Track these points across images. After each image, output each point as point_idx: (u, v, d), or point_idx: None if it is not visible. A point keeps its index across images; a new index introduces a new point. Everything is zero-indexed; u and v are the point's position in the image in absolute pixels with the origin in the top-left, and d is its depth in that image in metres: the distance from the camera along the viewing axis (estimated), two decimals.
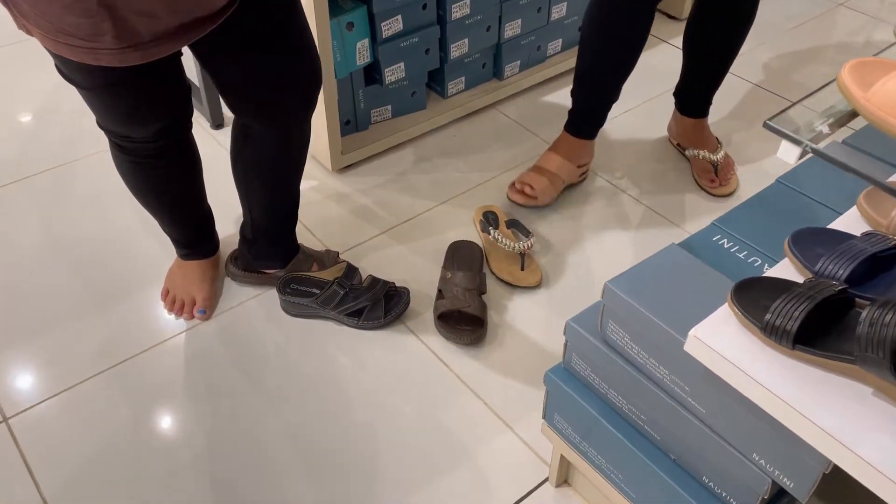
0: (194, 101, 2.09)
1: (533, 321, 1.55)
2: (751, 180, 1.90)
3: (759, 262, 1.12)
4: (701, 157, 1.89)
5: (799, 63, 2.35)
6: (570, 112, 1.82)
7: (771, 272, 0.91)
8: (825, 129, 0.68)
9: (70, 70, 1.12)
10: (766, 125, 0.68)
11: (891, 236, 0.88)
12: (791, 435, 0.80)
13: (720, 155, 1.88)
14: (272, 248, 1.55)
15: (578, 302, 1.59)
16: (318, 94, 1.32)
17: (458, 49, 1.99)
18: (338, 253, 1.64)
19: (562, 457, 1.22)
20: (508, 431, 1.35)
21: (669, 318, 0.91)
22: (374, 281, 1.51)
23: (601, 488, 1.14)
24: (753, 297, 0.84)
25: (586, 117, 1.80)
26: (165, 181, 1.40)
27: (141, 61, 1.02)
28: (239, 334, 1.52)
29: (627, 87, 1.77)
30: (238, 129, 1.37)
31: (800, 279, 0.89)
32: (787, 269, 0.91)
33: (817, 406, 0.77)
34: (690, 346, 0.84)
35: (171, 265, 1.60)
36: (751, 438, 0.88)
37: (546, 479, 1.28)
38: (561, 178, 1.82)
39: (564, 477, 1.28)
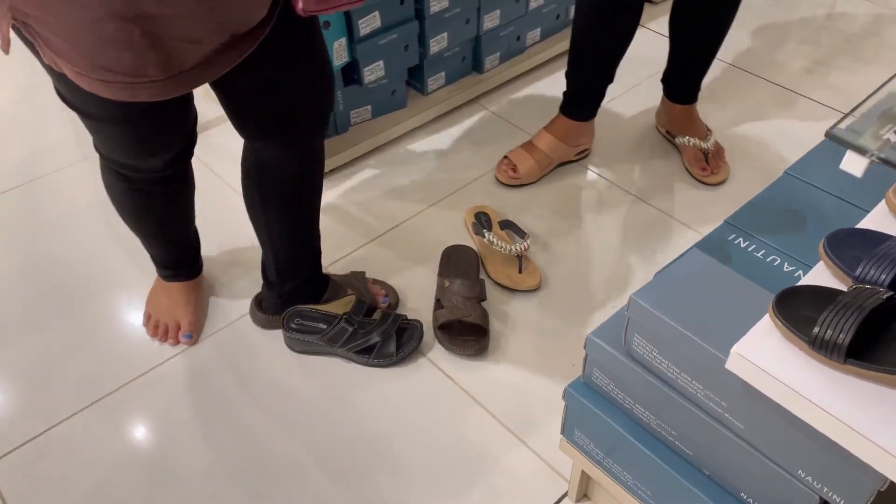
0: None
1: (536, 326, 1.49)
2: (741, 168, 1.86)
3: (779, 261, 1.08)
4: (691, 144, 1.85)
5: (780, 43, 2.33)
6: (565, 94, 1.80)
7: (808, 279, 0.87)
8: (892, 137, 0.64)
9: (80, 99, 1.02)
10: (829, 135, 0.63)
11: None
12: (843, 452, 0.76)
13: (710, 142, 1.85)
14: (304, 284, 1.44)
15: (580, 303, 1.54)
16: (332, 109, 1.25)
17: (437, 44, 1.92)
18: (363, 273, 1.54)
19: (582, 472, 1.18)
20: (522, 446, 1.30)
21: (704, 332, 0.86)
22: (385, 315, 1.41)
23: None
24: (796, 309, 0.80)
25: (580, 99, 1.79)
26: (165, 206, 1.33)
27: (184, 92, 0.94)
28: (232, 357, 1.44)
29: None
30: (252, 159, 1.26)
31: (838, 285, 0.85)
32: (823, 275, 0.87)
33: (874, 422, 0.73)
34: (733, 364, 0.80)
35: (151, 287, 1.51)
36: (796, 454, 0.84)
37: (565, 494, 1.24)
38: (551, 157, 1.81)
39: (584, 491, 1.23)
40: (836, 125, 0.64)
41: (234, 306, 1.53)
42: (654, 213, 1.75)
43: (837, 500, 0.82)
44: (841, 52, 2.28)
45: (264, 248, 1.40)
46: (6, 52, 0.89)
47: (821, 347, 0.76)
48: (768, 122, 2.01)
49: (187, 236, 1.46)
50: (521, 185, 1.82)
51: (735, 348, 0.79)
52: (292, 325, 1.41)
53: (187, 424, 1.33)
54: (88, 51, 0.86)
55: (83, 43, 0.86)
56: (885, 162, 0.62)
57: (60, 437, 1.31)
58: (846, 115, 0.65)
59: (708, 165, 1.83)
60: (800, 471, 0.84)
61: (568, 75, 1.77)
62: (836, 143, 0.64)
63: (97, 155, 1.23)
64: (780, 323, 0.79)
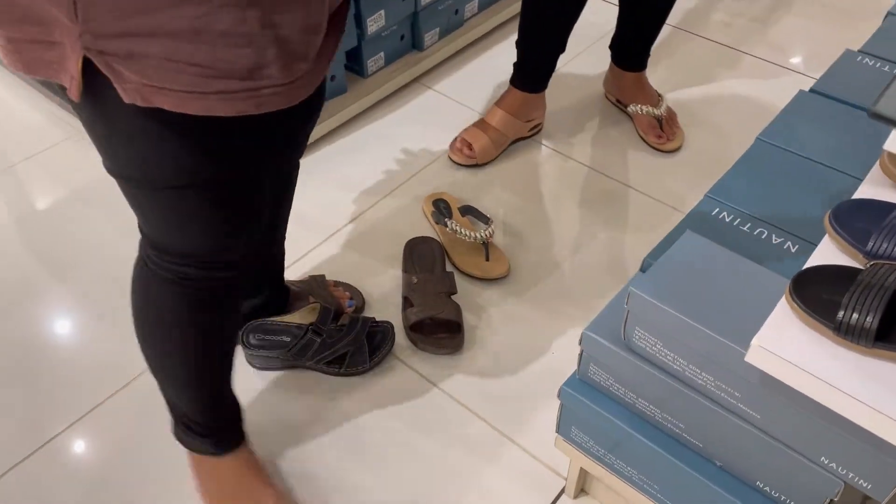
0: None
1: (510, 315, 1.43)
2: (695, 132, 1.83)
3: (766, 233, 1.04)
4: (644, 112, 1.81)
5: (717, 1, 2.30)
6: (516, 65, 1.73)
7: (816, 256, 0.82)
8: None
9: (172, 154, 0.77)
10: (871, 114, 0.58)
11: None
12: (873, 438, 0.73)
13: (663, 108, 1.81)
14: (266, 300, 1.31)
15: (552, 287, 1.48)
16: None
17: (374, 23, 1.81)
18: (323, 276, 1.42)
19: (581, 469, 1.13)
20: (511, 445, 1.24)
21: (715, 323, 0.81)
22: (354, 321, 1.32)
23: (635, 501, 1.05)
24: (814, 292, 0.75)
25: (532, 69, 1.72)
26: (234, 325, 1.03)
27: (305, 95, 0.76)
28: None
29: None
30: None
31: (849, 262, 0.81)
32: (831, 251, 0.83)
33: None
34: (754, 357, 0.75)
35: (196, 480, 1.14)
36: (820, 442, 0.80)
37: (562, 491, 1.19)
38: (505, 134, 1.75)
39: (582, 486, 1.19)
40: (877, 101, 0.59)
41: None
42: (613, 185, 1.71)
43: (864, 485, 0.79)
44: (778, 6, 2.28)
45: None
46: (77, 97, 0.71)
47: (847, 333, 0.71)
48: (716, 83, 1.99)
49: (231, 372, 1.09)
50: (477, 167, 1.74)
51: (756, 340, 0.74)
52: (252, 342, 1.30)
53: (144, 464, 1.23)
54: (199, 56, 0.67)
55: (193, 47, 0.67)
56: None
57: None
58: (885, 90, 0.59)
59: (663, 132, 1.80)
60: (823, 458, 0.81)
61: (518, 45, 1.70)
62: (881, 122, 0.58)
63: None
64: (800, 309, 0.74)
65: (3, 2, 0.68)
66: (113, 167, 0.82)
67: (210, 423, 1.07)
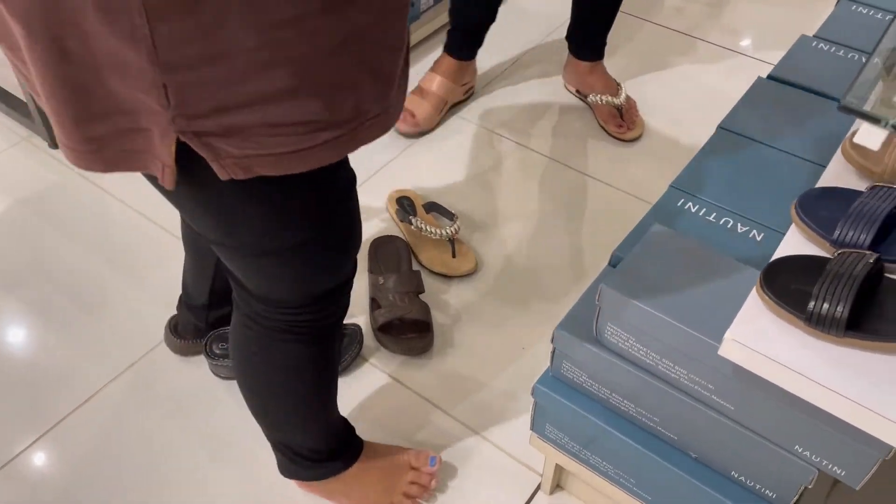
0: (24, 120, 1.77)
1: (478, 312, 1.42)
2: (655, 120, 1.84)
3: (732, 222, 1.05)
4: (603, 102, 1.81)
5: None
6: (449, 32, 1.82)
7: (784, 246, 0.83)
8: None
9: (282, 221, 0.75)
10: (841, 108, 0.57)
11: (893, 187, 0.82)
12: (847, 426, 0.73)
13: (622, 97, 1.81)
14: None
15: (520, 281, 1.48)
16: None
17: None
18: None
19: (556, 465, 1.12)
20: (486, 443, 1.23)
21: (688, 318, 0.81)
22: None
23: (610, 494, 1.05)
24: (784, 283, 0.76)
25: (463, 38, 1.81)
26: (339, 350, 1.02)
27: (397, 119, 0.72)
28: (150, 392, 1.29)
29: (508, 38, 1.65)
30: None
31: (817, 250, 0.81)
32: (798, 240, 0.83)
33: (881, 395, 0.70)
34: (727, 350, 0.75)
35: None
36: (794, 432, 0.80)
37: (538, 488, 1.18)
38: (444, 98, 1.83)
39: (557, 482, 1.18)
40: (847, 93, 0.58)
41: (145, 334, 1.37)
42: (576, 175, 1.70)
43: (838, 472, 0.80)
44: None
45: (198, 275, 1.23)
46: (172, 185, 0.66)
47: (818, 323, 0.72)
48: (672, 70, 2.00)
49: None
50: (436, 153, 1.73)
51: (729, 334, 0.74)
52: (217, 351, 1.27)
53: (110, 478, 1.19)
54: (303, 113, 0.62)
55: (293, 108, 0.62)
56: None
57: None
58: (852, 83, 0.59)
59: (623, 122, 1.80)
60: (797, 446, 0.82)
61: (451, 13, 1.78)
62: (850, 115, 0.58)
63: None
64: (771, 300, 0.75)
65: (98, 94, 0.61)
66: (213, 238, 0.78)
67: (337, 444, 1.10)
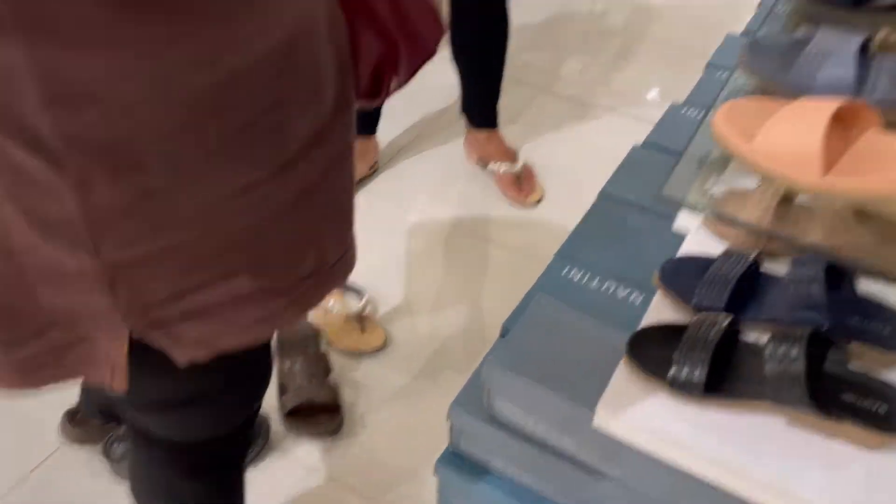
0: None
1: (388, 389, 1.43)
2: (553, 186, 1.91)
3: (613, 288, 1.09)
4: (502, 170, 1.88)
5: (558, 55, 2.43)
6: None
7: (651, 313, 0.87)
8: (715, 190, 0.64)
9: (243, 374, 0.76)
10: (661, 199, 0.62)
11: (745, 251, 0.88)
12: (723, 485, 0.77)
13: (520, 165, 1.88)
14: None
15: (428, 354, 1.49)
16: None
17: None
18: None
19: None
20: None
21: (567, 388, 0.84)
22: None
23: None
24: (649, 351, 0.80)
25: (363, 115, 1.82)
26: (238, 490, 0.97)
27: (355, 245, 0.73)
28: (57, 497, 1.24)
29: (409, 111, 1.70)
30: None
31: (681, 314, 0.86)
32: (664, 306, 0.88)
33: (743, 454, 0.73)
34: (601, 421, 0.78)
35: None
36: (681, 493, 0.83)
37: None
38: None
39: None
40: (665, 184, 0.63)
41: (43, 435, 1.33)
42: (480, 243, 1.75)
43: None
44: (620, 57, 2.43)
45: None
46: (124, 387, 0.62)
47: (680, 387, 0.76)
48: (566, 135, 2.09)
49: None
50: None
51: (599, 405, 0.77)
52: (117, 454, 1.24)
53: None
54: (269, 281, 0.61)
55: (258, 279, 0.60)
56: (720, 218, 0.62)
57: None
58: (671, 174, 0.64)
59: (522, 188, 1.87)
60: None
61: None
62: (670, 205, 0.63)
63: None
64: (637, 368, 0.78)
65: (27, 313, 0.57)
66: (142, 407, 0.76)
67: None
